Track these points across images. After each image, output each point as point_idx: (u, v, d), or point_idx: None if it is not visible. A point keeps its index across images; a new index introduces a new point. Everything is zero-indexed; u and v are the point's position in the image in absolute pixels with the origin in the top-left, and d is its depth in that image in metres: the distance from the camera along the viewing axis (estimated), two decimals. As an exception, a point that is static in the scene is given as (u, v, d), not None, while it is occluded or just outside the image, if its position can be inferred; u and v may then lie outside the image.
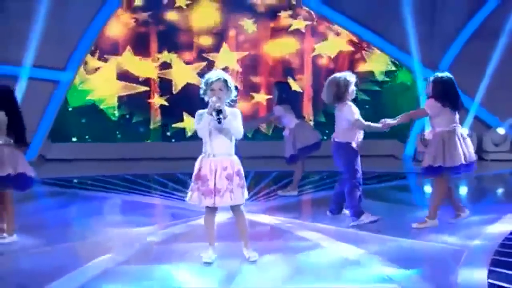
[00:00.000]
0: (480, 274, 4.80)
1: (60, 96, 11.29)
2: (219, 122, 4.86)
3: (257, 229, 6.16)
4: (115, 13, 11.37)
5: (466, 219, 6.44)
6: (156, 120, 11.85)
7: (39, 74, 10.87)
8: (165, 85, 11.75)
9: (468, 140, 6.35)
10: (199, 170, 5.04)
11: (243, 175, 5.11)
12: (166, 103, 11.74)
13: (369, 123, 6.46)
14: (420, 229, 6.20)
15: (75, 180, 9.61)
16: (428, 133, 6.46)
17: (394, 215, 6.95)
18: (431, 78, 6.33)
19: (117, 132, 11.86)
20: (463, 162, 6.18)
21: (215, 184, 4.96)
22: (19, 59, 10.66)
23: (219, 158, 5.00)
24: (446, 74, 6.34)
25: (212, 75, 5.02)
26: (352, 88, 6.37)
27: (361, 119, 6.37)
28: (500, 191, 8.79)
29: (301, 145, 8.00)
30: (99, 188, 9.02)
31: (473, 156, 6.34)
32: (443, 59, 11.65)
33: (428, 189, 9.41)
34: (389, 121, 6.35)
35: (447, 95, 6.19)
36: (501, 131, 11.07)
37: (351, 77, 6.39)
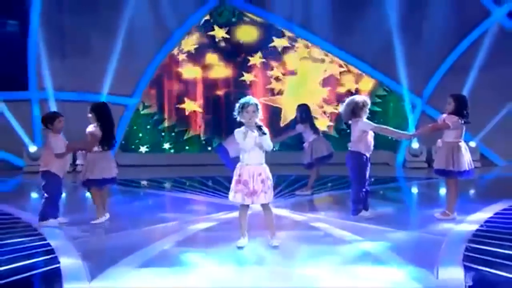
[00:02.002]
0: (456, 258, 4.74)
1: (128, 116, 11.51)
2: (264, 134, 4.91)
3: (279, 221, 6.13)
4: (169, 54, 11.60)
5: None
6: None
7: (112, 100, 11.03)
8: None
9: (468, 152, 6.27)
10: (240, 176, 5.03)
11: (271, 179, 5.11)
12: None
13: (387, 127, 6.39)
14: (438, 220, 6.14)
15: (140, 181, 9.71)
16: (438, 142, 6.31)
17: (389, 210, 6.90)
18: (453, 97, 6.16)
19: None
20: (467, 168, 6.14)
21: (253, 187, 4.98)
22: (98, 89, 10.93)
23: (254, 166, 5.01)
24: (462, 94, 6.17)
25: (247, 100, 5.00)
26: (367, 109, 6.19)
27: (378, 125, 6.31)
28: (471, 192, 8.64)
29: (316, 155, 8.00)
30: (158, 187, 9.10)
31: (473, 164, 6.27)
32: (426, 87, 11.62)
33: (415, 190, 9.35)
34: (410, 132, 6.17)
35: (466, 112, 6.13)
36: (472, 144, 11.01)
37: (368, 100, 6.25)
